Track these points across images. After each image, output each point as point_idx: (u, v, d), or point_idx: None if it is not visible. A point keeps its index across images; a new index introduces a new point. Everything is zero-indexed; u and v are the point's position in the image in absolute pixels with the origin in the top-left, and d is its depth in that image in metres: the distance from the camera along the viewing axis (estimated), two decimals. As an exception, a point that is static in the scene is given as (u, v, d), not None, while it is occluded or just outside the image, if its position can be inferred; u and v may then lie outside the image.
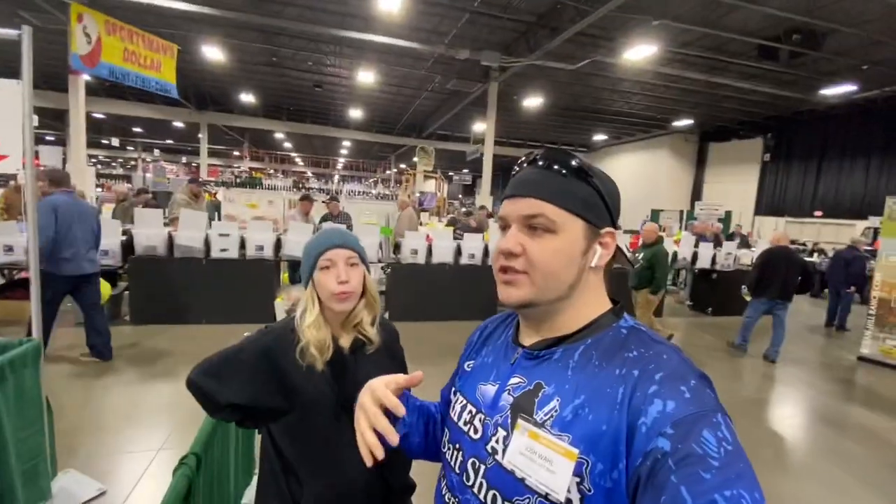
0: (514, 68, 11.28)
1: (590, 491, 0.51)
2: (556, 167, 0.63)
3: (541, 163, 0.64)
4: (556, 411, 0.57)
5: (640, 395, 0.51)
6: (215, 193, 11.07)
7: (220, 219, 6.69)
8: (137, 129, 25.49)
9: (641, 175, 19.78)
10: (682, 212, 15.67)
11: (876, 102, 11.47)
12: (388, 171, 30.95)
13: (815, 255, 10.25)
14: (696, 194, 18.29)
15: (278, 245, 5.09)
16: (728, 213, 14.15)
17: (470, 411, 0.69)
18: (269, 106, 18.92)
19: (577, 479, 0.52)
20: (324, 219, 5.87)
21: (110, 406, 3.16)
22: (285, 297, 5.27)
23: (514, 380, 0.64)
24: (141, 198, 6.42)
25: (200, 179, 6.32)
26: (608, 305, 0.66)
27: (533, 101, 14.34)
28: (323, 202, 6.29)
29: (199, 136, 20.13)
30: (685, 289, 8.06)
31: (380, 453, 0.63)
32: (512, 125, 19.13)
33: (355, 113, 18.24)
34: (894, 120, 11.76)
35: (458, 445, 0.69)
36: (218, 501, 1.59)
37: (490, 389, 0.68)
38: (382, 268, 6.14)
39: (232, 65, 13.12)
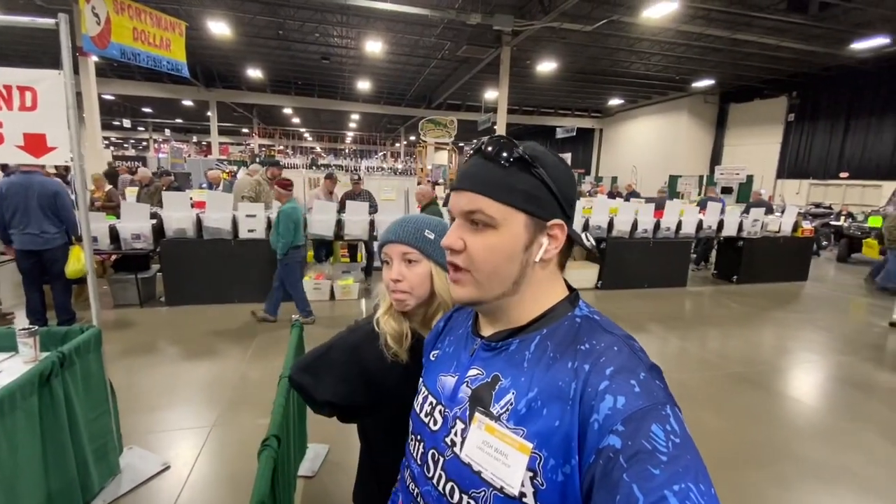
0: (527, 32, 10.89)
1: (543, 485, 0.52)
2: (497, 158, 0.59)
3: (483, 153, 0.61)
4: (511, 404, 0.57)
5: (591, 392, 0.51)
6: (231, 173, 11.09)
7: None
8: (147, 109, 25.44)
9: (659, 139, 19.26)
10: (701, 177, 15.29)
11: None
12: (397, 144, 30.61)
13: (843, 218, 9.98)
14: (716, 158, 17.79)
15: (304, 224, 5.11)
16: (749, 178, 13.79)
17: (431, 402, 0.69)
18: (277, 81, 18.65)
19: (531, 474, 0.53)
20: (346, 196, 5.86)
21: (160, 385, 3.28)
22: (313, 276, 5.35)
23: (472, 371, 0.65)
24: (164, 180, 6.45)
25: (276, 162, 5.87)
26: (563, 294, 0.65)
27: (546, 66, 13.90)
28: (351, 181, 6.23)
29: (209, 114, 20.03)
30: (696, 257, 7.98)
31: None
32: (525, 92, 18.64)
33: (363, 85, 17.90)
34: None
35: (419, 437, 0.69)
36: (286, 475, 1.67)
37: (450, 381, 0.68)
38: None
39: (238, 39, 12.89)
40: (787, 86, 15.09)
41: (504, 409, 0.57)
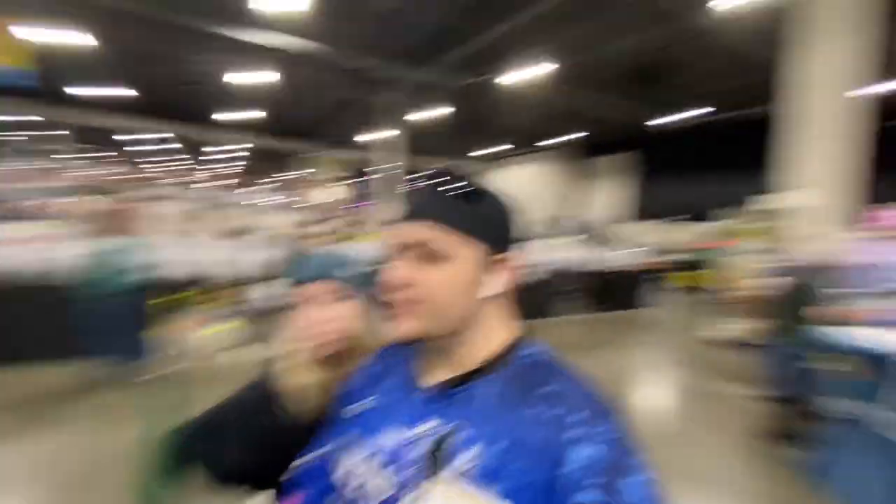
0: (406, 79, 11.45)
1: None
2: (446, 188, 0.59)
3: (431, 184, 0.60)
4: (478, 459, 0.52)
5: (566, 440, 0.49)
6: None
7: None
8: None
9: (533, 186, 21.32)
10: (560, 220, 17.10)
11: (715, 124, 13.81)
12: (282, 178, 29.24)
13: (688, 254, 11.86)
14: (584, 204, 20.19)
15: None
16: (607, 220, 15.79)
17: (370, 466, 0.59)
18: (151, 102, 16.68)
19: None
20: (225, 234, 5.32)
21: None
22: (178, 327, 4.61)
23: (425, 424, 0.57)
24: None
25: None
26: (516, 331, 0.63)
27: (428, 114, 14.63)
28: (232, 217, 5.70)
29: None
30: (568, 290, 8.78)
31: None
32: (409, 134, 19.27)
33: (241, 115, 16.83)
34: (729, 137, 14.02)
35: None
36: None
37: (392, 438, 0.59)
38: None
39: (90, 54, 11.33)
40: (638, 142, 17.95)
41: (471, 465, 0.52)
